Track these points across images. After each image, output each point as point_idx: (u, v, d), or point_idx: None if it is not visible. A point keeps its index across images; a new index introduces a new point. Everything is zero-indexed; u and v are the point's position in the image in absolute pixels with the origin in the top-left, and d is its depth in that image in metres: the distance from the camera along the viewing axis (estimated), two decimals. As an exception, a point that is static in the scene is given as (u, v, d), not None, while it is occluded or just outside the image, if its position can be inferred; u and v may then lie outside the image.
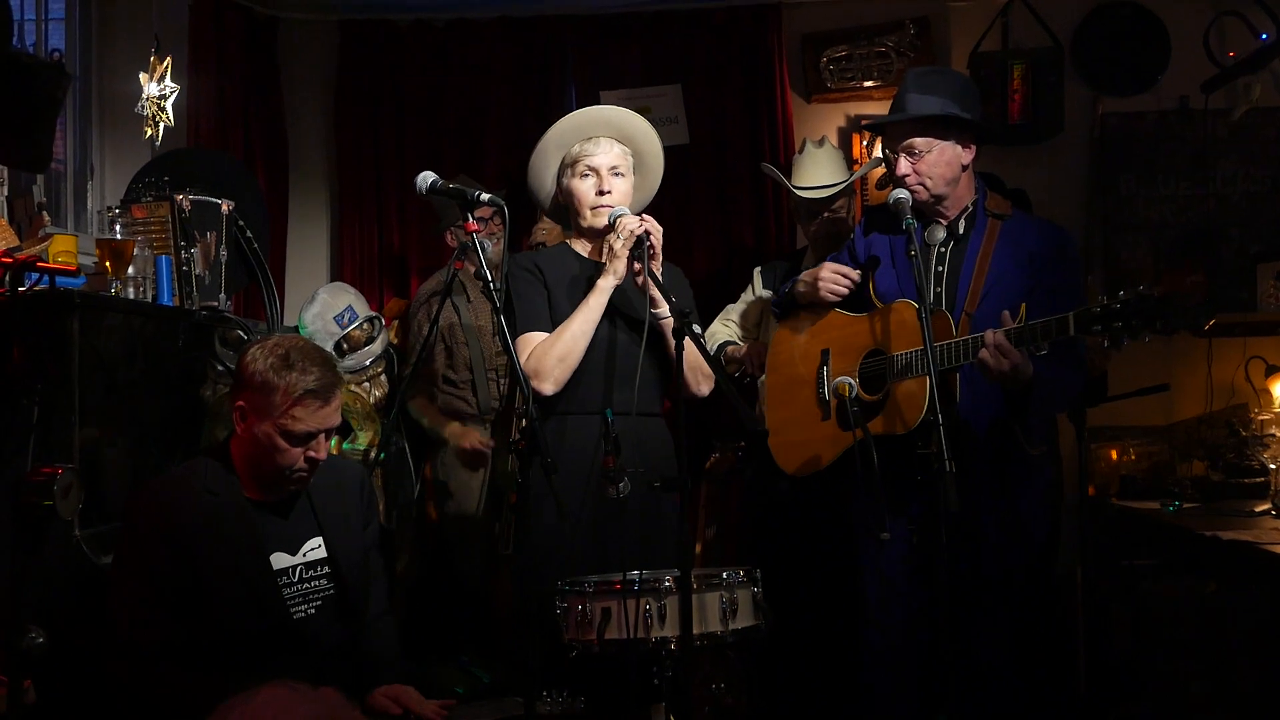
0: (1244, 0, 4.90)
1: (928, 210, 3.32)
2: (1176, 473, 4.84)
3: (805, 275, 3.47)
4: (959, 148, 3.27)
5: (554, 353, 3.18)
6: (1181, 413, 4.98)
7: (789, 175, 4.47)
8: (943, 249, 3.31)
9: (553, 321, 3.25)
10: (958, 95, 3.29)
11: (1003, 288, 3.21)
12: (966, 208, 3.33)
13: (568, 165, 3.33)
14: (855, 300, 3.47)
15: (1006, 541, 3.24)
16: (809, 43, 5.33)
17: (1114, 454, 4.96)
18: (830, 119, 5.32)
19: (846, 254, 3.53)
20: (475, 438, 4.51)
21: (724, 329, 4.55)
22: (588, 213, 3.31)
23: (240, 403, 2.71)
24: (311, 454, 2.72)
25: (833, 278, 3.39)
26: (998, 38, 5.19)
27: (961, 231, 3.32)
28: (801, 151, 4.48)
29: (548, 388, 3.19)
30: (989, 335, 2.99)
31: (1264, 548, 3.46)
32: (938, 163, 3.25)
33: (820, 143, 4.47)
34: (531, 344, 3.22)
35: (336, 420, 2.75)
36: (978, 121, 3.27)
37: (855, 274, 3.38)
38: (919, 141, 3.25)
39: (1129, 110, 5.21)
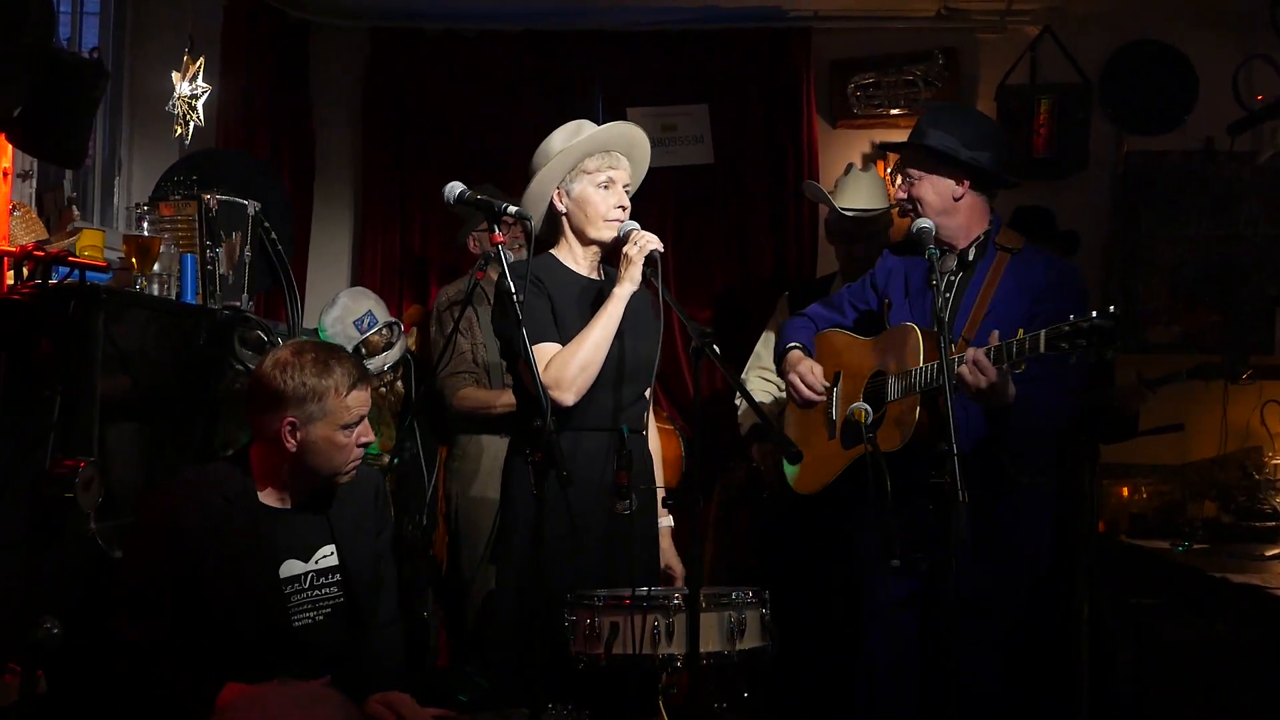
0: (1274, 44, 4.91)
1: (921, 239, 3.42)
2: (1188, 513, 4.84)
3: (788, 364, 3.55)
4: (950, 182, 3.38)
5: (576, 361, 3.10)
6: (1195, 453, 4.97)
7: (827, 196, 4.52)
8: (951, 277, 3.41)
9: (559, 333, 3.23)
10: (965, 133, 3.39)
11: (1001, 315, 3.27)
12: (978, 238, 3.42)
13: (583, 172, 3.24)
14: (874, 327, 3.56)
15: (990, 568, 3.25)
16: (837, 68, 5.35)
17: (1125, 491, 4.95)
18: (855, 145, 5.34)
19: (869, 283, 3.62)
20: None
21: (761, 383, 4.56)
22: (600, 223, 3.23)
23: (289, 420, 2.71)
24: (363, 439, 2.80)
25: (799, 385, 3.47)
26: (1026, 71, 5.21)
27: (971, 259, 3.42)
28: (848, 173, 4.52)
29: (569, 398, 3.11)
30: (970, 352, 3.06)
31: (1274, 592, 3.46)
32: (927, 191, 3.38)
33: (865, 167, 4.52)
34: (546, 355, 3.13)
35: (370, 402, 2.84)
36: (966, 161, 3.36)
37: (820, 394, 3.46)
38: (912, 170, 3.42)
39: (1154, 149, 5.23)
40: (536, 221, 3.29)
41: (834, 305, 3.69)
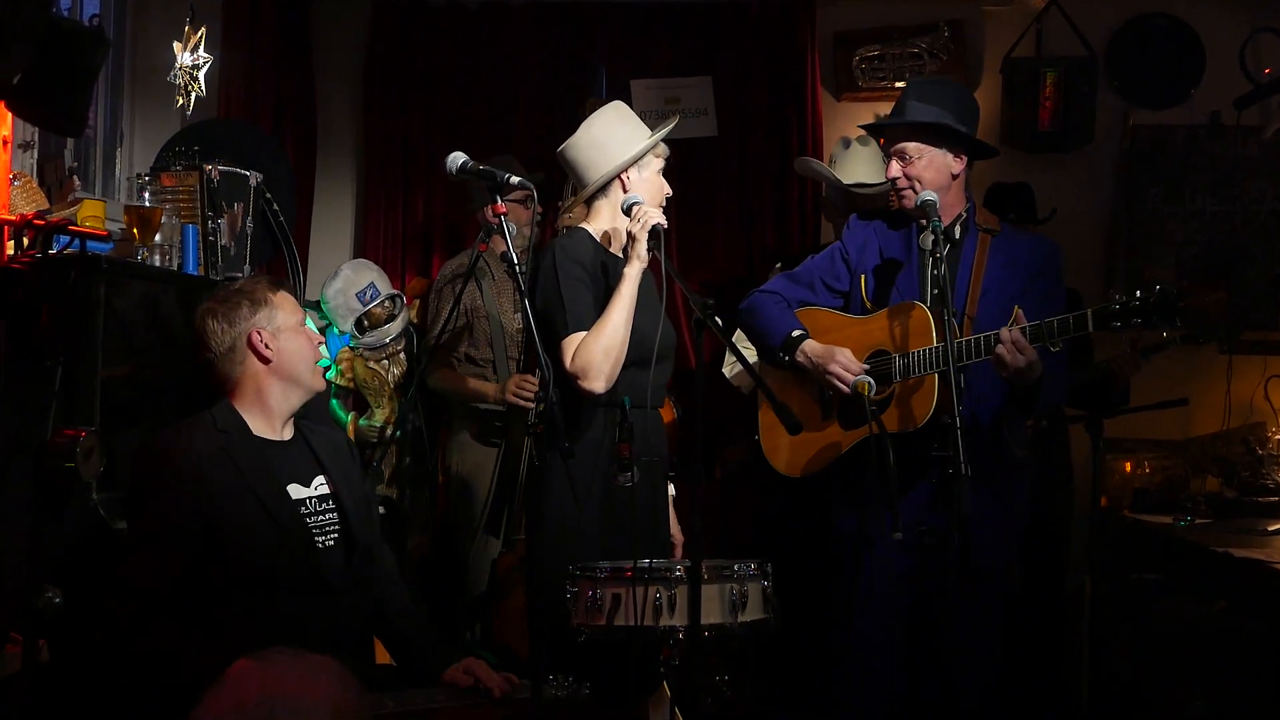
0: (1282, 17, 4.90)
1: (917, 215, 3.37)
2: (1190, 488, 4.84)
3: (818, 356, 3.35)
4: (949, 157, 3.35)
5: (599, 348, 3.10)
6: (1198, 428, 4.97)
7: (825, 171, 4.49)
8: (938, 254, 3.33)
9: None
10: (955, 108, 3.37)
11: (997, 291, 3.28)
12: (960, 215, 3.39)
13: (655, 156, 3.34)
14: (846, 302, 3.50)
15: (996, 540, 3.29)
16: (841, 41, 5.32)
17: (1128, 466, 4.96)
18: (859, 118, 5.26)
19: (838, 257, 3.53)
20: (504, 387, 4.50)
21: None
22: (656, 205, 3.28)
23: (255, 332, 2.80)
24: (314, 340, 2.93)
25: (841, 374, 3.29)
26: (1032, 44, 5.18)
27: (958, 237, 3.38)
28: (848, 147, 4.48)
29: (600, 385, 3.10)
30: (1005, 332, 3.05)
31: (1276, 566, 3.46)
32: (927, 168, 3.33)
33: (865, 140, 4.48)
34: (574, 343, 3.14)
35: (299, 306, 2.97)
36: (969, 135, 3.34)
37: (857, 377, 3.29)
38: (910, 147, 3.34)
39: (1160, 123, 5.20)
40: (584, 195, 3.31)
41: (801, 281, 3.56)
